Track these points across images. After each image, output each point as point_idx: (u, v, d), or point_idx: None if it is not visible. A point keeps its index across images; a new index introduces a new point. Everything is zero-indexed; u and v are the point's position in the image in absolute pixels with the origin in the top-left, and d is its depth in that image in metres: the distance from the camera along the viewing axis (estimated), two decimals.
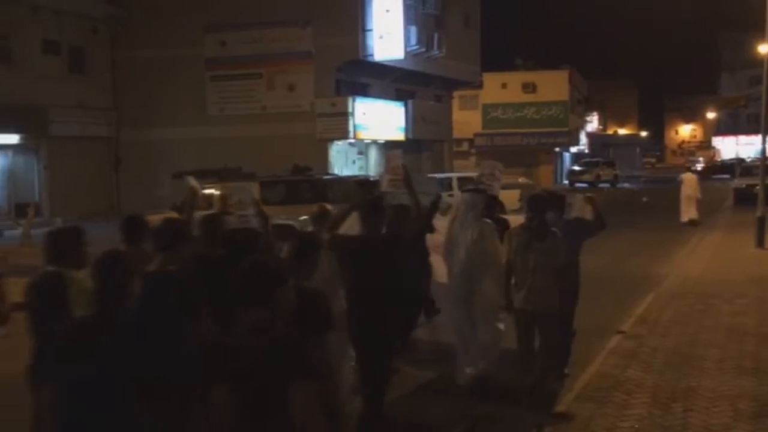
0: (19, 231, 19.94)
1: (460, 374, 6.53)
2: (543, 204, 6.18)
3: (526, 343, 6.08)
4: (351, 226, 5.80)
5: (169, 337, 2.95)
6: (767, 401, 5.95)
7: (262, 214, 5.85)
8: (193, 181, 6.80)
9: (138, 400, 2.87)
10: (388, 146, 28.90)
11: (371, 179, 5.81)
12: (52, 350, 3.12)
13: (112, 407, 2.86)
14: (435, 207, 6.88)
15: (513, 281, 6.14)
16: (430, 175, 23.07)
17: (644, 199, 26.56)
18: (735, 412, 5.71)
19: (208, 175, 17.21)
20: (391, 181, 6.63)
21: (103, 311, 3.03)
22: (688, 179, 21.35)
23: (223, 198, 6.89)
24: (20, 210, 21.83)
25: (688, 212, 20.68)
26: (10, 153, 24.15)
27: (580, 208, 7.15)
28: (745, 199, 25.50)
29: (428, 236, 7.14)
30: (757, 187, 16.47)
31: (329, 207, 6.22)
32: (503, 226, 7.03)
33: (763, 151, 16.90)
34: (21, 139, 24.01)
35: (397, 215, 5.83)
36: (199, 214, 6.24)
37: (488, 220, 6.68)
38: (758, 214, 15.50)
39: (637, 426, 5.50)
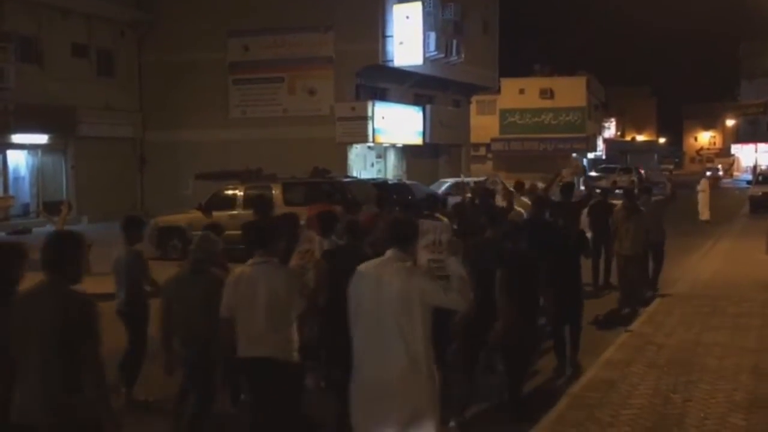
0: (49, 228, 20.62)
1: None
2: (633, 194, 11.01)
3: (624, 275, 10.31)
4: None
5: None
6: (761, 395, 6.34)
7: (507, 193, 11.14)
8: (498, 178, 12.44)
9: None
10: (406, 150, 29.37)
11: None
12: None
13: None
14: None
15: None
16: None
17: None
18: (731, 404, 6.11)
19: (229, 177, 17.73)
20: (572, 174, 13.45)
21: None
22: (704, 184, 23.89)
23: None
24: (49, 208, 22.46)
25: (704, 213, 23.50)
26: (39, 152, 24.79)
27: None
28: (760, 206, 25.80)
29: None
30: None
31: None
32: (610, 208, 11.50)
33: None
34: (50, 139, 24.64)
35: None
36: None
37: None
38: None
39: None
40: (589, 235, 9.90)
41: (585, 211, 11.50)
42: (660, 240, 11.34)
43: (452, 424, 5.76)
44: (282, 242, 5.02)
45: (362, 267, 4.15)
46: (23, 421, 3.65)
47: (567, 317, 7.38)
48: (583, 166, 14.13)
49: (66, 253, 3.73)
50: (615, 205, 11.35)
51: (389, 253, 4.09)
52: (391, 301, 3.93)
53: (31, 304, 3.70)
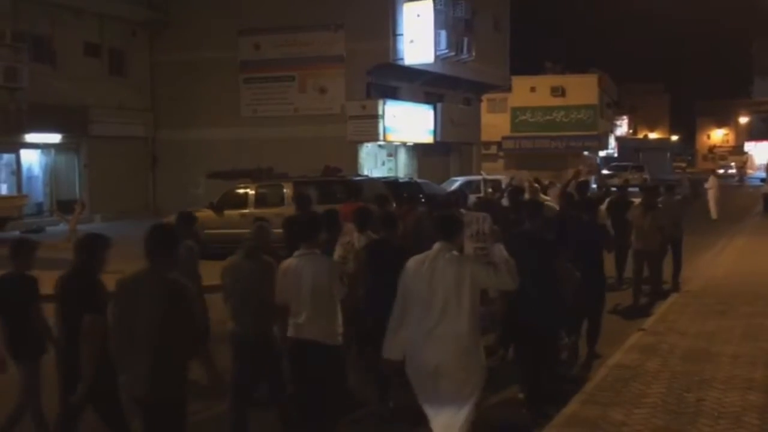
0: (62, 226, 20.73)
1: None
2: (654, 191, 11.44)
3: (638, 270, 10.61)
4: None
5: None
6: None
7: (533, 190, 11.20)
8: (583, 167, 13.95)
9: None
10: (417, 148, 29.34)
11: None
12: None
13: None
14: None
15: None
16: None
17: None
18: (745, 403, 6.06)
19: (241, 176, 17.77)
20: (588, 172, 15.06)
21: None
22: (712, 182, 24.05)
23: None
24: (63, 207, 22.59)
25: (714, 211, 23.64)
26: (52, 152, 24.94)
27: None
28: None
29: None
30: None
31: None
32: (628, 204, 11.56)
33: None
34: (62, 138, 24.77)
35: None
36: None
37: None
38: None
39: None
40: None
41: (603, 207, 11.58)
42: (677, 237, 11.64)
43: (520, 395, 6.29)
44: (322, 235, 5.54)
45: (414, 260, 4.63)
46: (131, 394, 4.16)
47: (587, 309, 7.66)
48: (597, 165, 15.21)
49: (163, 244, 4.21)
50: (633, 202, 11.63)
51: (438, 245, 4.58)
52: (445, 288, 4.44)
53: (135, 288, 4.14)
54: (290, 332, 5.12)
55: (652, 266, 10.73)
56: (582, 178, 12.59)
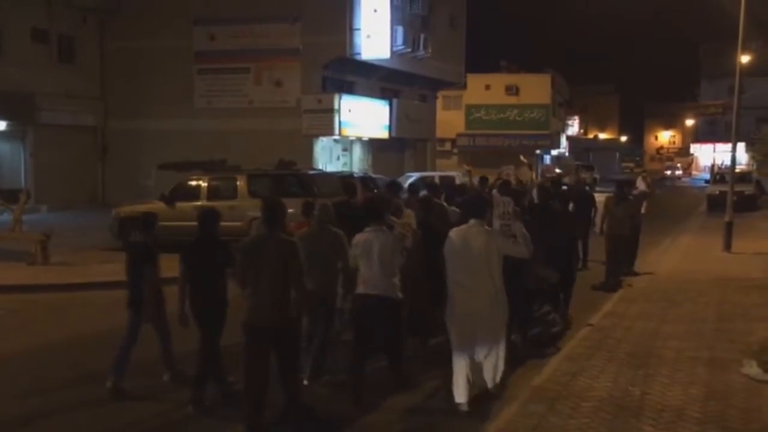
0: (6, 216, 20.12)
1: None
2: (623, 185, 13.03)
3: (610, 253, 12.03)
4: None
5: None
6: (716, 388, 6.50)
7: (518, 182, 13.35)
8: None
9: None
10: (372, 143, 29.38)
11: None
12: None
13: None
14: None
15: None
16: None
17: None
18: (687, 396, 6.25)
19: (193, 168, 17.51)
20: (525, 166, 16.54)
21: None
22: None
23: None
24: (7, 196, 21.92)
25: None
26: None
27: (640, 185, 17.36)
28: (717, 205, 26.40)
29: None
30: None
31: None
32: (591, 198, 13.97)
33: (733, 159, 17.59)
34: (8, 126, 24.12)
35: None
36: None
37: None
38: (726, 219, 16.18)
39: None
40: None
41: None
42: (637, 225, 13.19)
43: (513, 337, 7.70)
44: (388, 216, 7.16)
45: (454, 232, 6.20)
46: (255, 322, 5.56)
47: (563, 283, 9.11)
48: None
49: (279, 213, 5.71)
50: (593, 196, 13.92)
51: (472, 221, 6.18)
52: (478, 253, 6.00)
53: (258, 246, 5.64)
54: (360, 290, 6.49)
55: (623, 248, 12.14)
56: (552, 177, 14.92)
